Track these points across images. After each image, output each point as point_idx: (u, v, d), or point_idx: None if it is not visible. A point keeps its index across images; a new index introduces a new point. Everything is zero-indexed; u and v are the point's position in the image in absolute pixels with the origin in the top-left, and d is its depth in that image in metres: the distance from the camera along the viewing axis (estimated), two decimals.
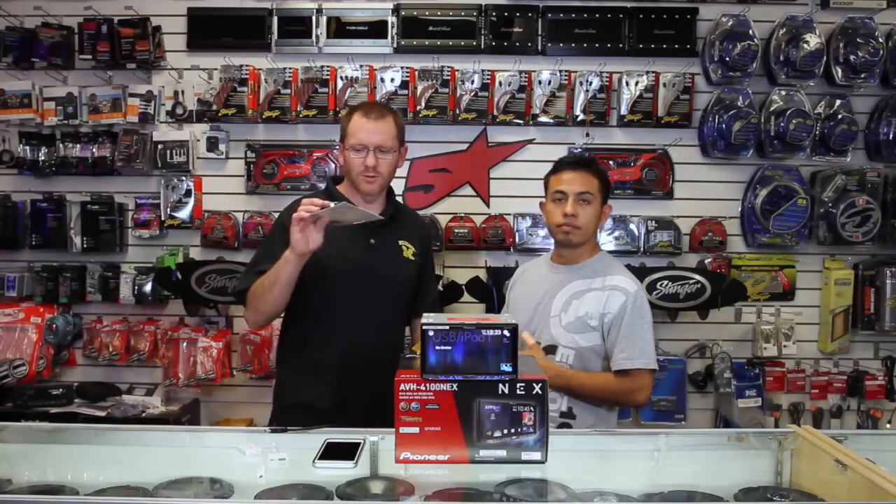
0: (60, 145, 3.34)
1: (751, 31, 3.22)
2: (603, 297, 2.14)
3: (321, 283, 2.16)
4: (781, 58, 3.25)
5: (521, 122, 3.32)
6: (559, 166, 2.23)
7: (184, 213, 3.35)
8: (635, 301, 2.13)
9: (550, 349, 2.17)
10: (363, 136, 2.18)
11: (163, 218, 3.34)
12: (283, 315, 2.24)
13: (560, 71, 3.29)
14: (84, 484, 1.57)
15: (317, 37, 3.33)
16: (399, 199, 3.34)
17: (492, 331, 1.50)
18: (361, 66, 3.30)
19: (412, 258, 2.31)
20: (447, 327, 1.50)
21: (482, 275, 3.25)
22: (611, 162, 3.33)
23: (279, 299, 2.10)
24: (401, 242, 2.30)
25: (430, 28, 3.32)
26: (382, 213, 2.24)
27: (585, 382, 2.11)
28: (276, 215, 2.43)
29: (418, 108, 3.27)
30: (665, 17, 3.33)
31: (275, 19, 3.34)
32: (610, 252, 3.26)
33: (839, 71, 3.27)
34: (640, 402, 2.22)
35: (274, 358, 3.00)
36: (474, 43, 3.32)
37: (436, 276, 2.63)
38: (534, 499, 1.54)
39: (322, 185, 3.36)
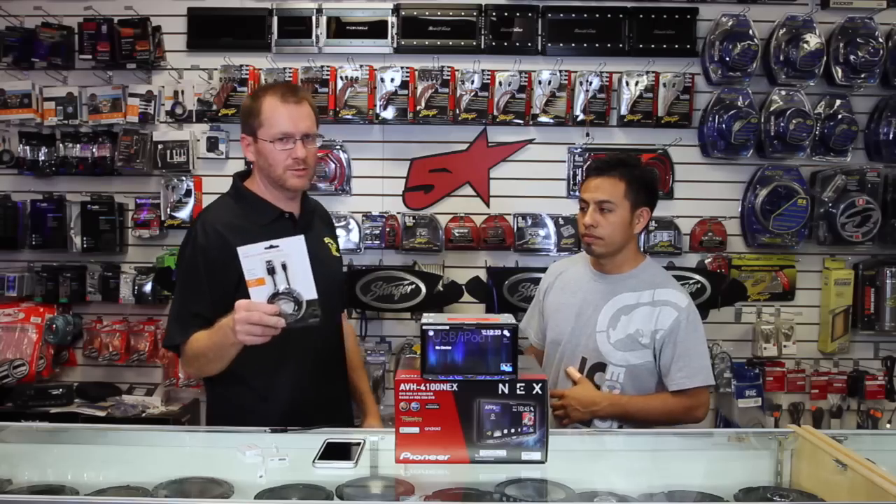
0: (60, 145, 3.34)
1: (751, 31, 3.22)
2: (654, 312, 2.05)
3: None
4: (781, 58, 3.25)
5: (521, 122, 3.32)
6: (587, 170, 2.15)
7: (184, 213, 3.34)
8: (688, 316, 2.05)
9: (599, 366, 2.09)
10: (286, 123, 1.89)
11: (163, 218, 3.34)
12: None
13: (560, 71, 3.29)
14: (84, 484, 1.57)
15: (317, 37, 3.33)
16: (396, 198, 3.40)
17: (492, 331, 1.50)
18: (361, 66, 3.30)
19: (336, 254, 2.16)
20: (447, 327, 1.50)
21: (482, 275, 3.25)
22: None
23: (223, 367, 1.84)
24: (326, 240, 2.13)
25: (430, 28, 3.31)
26: (304, 211, 2.05)
27: (643, 407, 2.04)
28: None
29: (418, 108, 3.27)
30: (665, 17, 3.32)
31: (275, 19, 3.34)
32: None
33: (839, 71, 3.27)
34: (699, 419, 2.10)
35: None
36: (474, 43, 3.32)
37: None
38: (534, 499, 1.54)
39: (317, 186, 3.34)
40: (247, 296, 1.65)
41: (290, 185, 1.95)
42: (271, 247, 1.58)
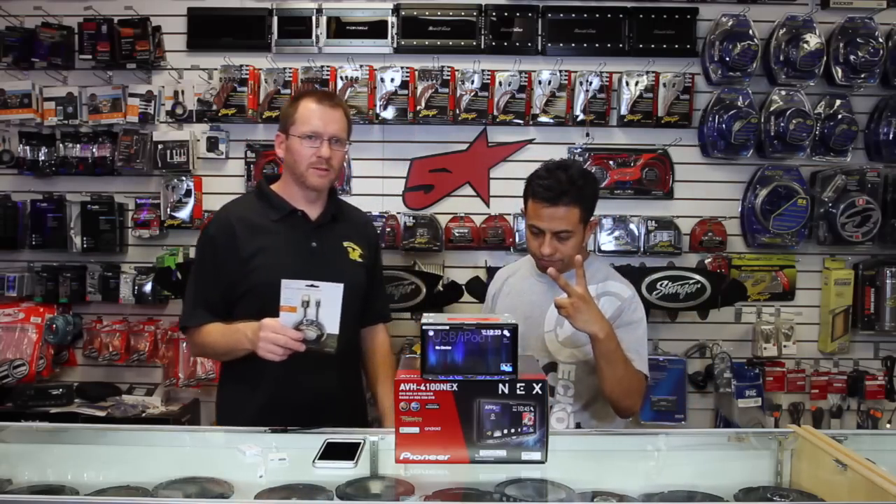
0: (60, 145, 3.34)
1: (751, 31, 3.22)
2: (598, 304, 2.01)
3: (262, 296, 1.94)
4: (781, 58, 3.25)
5: (521, 122, 3.32)
6: (536, 192, 1.99)
7: (184, 213, 3.34)
8: (630, 306, 2.05)
9: (551, 367, 2.09)
10: (317, 123, 2.00)
11: (163, 218, 3.34)
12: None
13: (560, 71, 3.29)
14: (84, 484, 1.57)
15: (317, 37, 3.33)
16: (396, 198, 3.40)
17: (492, 331, 1.50)
18: (361, 66, 3.30)
19: (359, 260, 2.14)
20: (447, 327, 1.50)
21: (482, 275, 3.25)
22: (611, 162, 3.33)
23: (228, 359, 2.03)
24: (345, 244, 2.13)
25: (430, 28, 3.31)
26: (324, 212, 2.10)
27: (620, 350, 1.93)
28: None
29: (418, 108, 3.27)
30: (665, 17, 3.32)
31: (275, 19, 3.34)
32: (610, 252, 3.30)
33: (839, 71, 3.27)
34: (636, 409, 2.04)
35: None
36: (474, 43, 3.32)
37: (384, 281, 2.41)
38: (534, 499, 1.54)
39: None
40: (256, 280, 1.95)
41: (310, 183, 2.03)
42: (312, 285, 1.77)
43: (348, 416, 2.06)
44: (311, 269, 1.98)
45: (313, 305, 1.77)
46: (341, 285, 1.77)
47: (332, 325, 1.78)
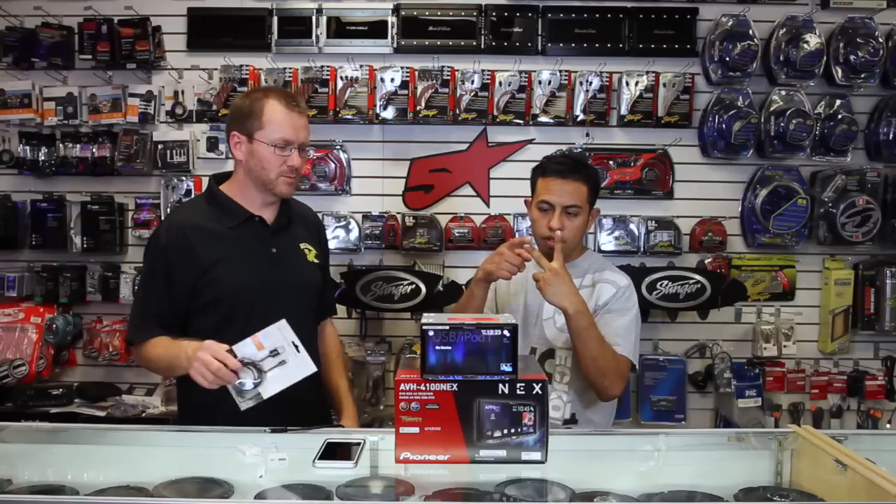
0: (60, 145, 3.34)
1: (751, 31, 3.22)
2: (594, 291, 2.10)
3: (224, 307, 1.94)
4: (781, 58, 3.25)
5: (521, 122, 3.32)
6: (547, 169, 2.09)
7: None
8: (625, 293, 2.09)
9: (549, 353, 2.13)
10: (289, 131, 1.92)
11: (162, 218, 3.34)
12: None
13: (560, 71, 3.29)
14: (84, 484, 1.57)
15: (317, 37, 3.33)
16: (396, 198, 3.40)
17: (492, 331, 1.50)
18: (361, 66, 3.29)
19: (315, 260, 2.12)
20: (447, 327, 1.50)
21: None
22: (611, 162, 3.33)
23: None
24: (302, 246, 2.10)
25: (430, 28, 3.31)
26: (280, 215, 2.06)
27: (595, 327, 1.97)
28: None
29: (418, 108, 3.27)
30: (665, 17, 3.32)
31: (275, 19, 3.34)
32: (610, 252, 3.29)
33: (839, 71, 3.27)
34: (616, 391, 2.04)
35: None
36: (474, 43, 3.31)
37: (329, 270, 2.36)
38: (534, 499, 1.54)
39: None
40: (217, 292, 1.90)
41: (279, 191, 1.98)
42: (296, 345, 1.71)
43: (314, 414, 2.04)
44: (272, 275, 1.97)
45: (276, 360, 1.72)
46: (314, 369, 1.76)
47: (271, 389, 1.72)
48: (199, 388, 1.79)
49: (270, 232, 2.03)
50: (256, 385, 1.71)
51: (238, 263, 1.97)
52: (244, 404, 1.72)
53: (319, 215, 2.48)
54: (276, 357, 1.71)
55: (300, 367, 1.73)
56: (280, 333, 1.71)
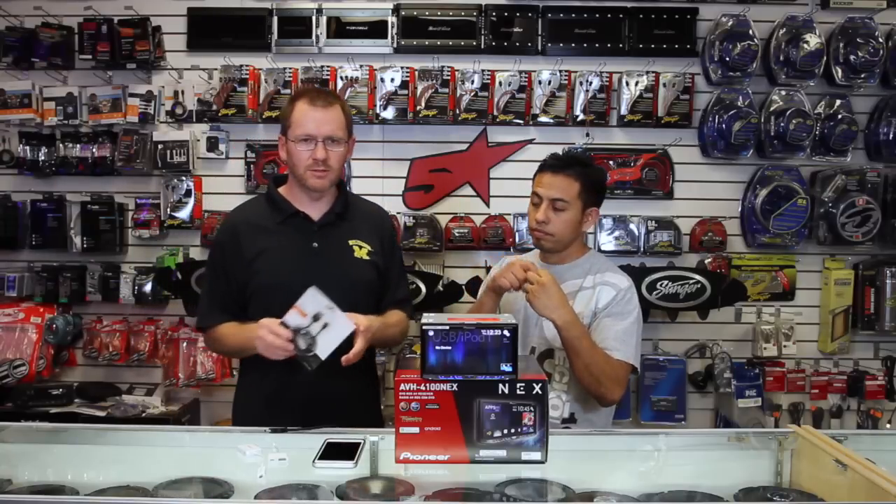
0: (60, 145, 3.34)
1: (751, 31, 3.22)
2: (595, 293, 2.09)
3: (265, 297, 2.02)
4: (781, 58, 3.25)
5: (521, 122, 3.32)
6: (542, 165, 2.15)
7: (184, 213, 3.34)
8: (625, 296, 2.08)
9: (548, 353, 2.13)
10: (310, 126, 1.99)
11: (163, 218, 3.34)
12: None
13: (560, 71, 3.29)
14: (84, 484, 1.57)
15: (317, 37, 3.33)
16: (396, 198, 3.40)
17: (492, 331, 1.50)
18: (361, 66, 3.30)
19: (366, 257, 2.11)
20: (447, 327, 1.50)
21: (482, 275, 3.24)
22: (611, 162, 3.33)
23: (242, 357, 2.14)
24: (351, 242, 2.10)
25: (430, 28, 3.31)
26: (328, 212, 2.10)
27: (589, 337, 1.98)
28: None
29: (418, 108, 3.27)
30: (665, 17, 3.32)
31: (275, 19, 3.34)
32: (610, 252, 3.29)
33: (839, 71, 3.27)
34: (614, 397, 2.02)
35: None
36: (474, 43, 3.32)
37: (405, 273, 2.36)
38: (534, 499, 1.54)
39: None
40: (259, 282, 2.03)
41: (310, 185, 2.04)
42: (331, 308, 1.81)
43: (358, 418, 2.01)
44: (312, 270, 2.00)
45: (320, 324, 1.81)
46: (354, 327, 1.84)
47: (324, 350, 1.82)
48: (252, 376, 2.07)
49: (315, 227, 2.09)
50: (311, 348, 1.82)
51: (278, 256, 2.05)
52: (311, 366, 1.84)
53: None
54: (320, 321, 1.81)
55: (342, 326, 1.83)
56: (314, 298, 1.80)
